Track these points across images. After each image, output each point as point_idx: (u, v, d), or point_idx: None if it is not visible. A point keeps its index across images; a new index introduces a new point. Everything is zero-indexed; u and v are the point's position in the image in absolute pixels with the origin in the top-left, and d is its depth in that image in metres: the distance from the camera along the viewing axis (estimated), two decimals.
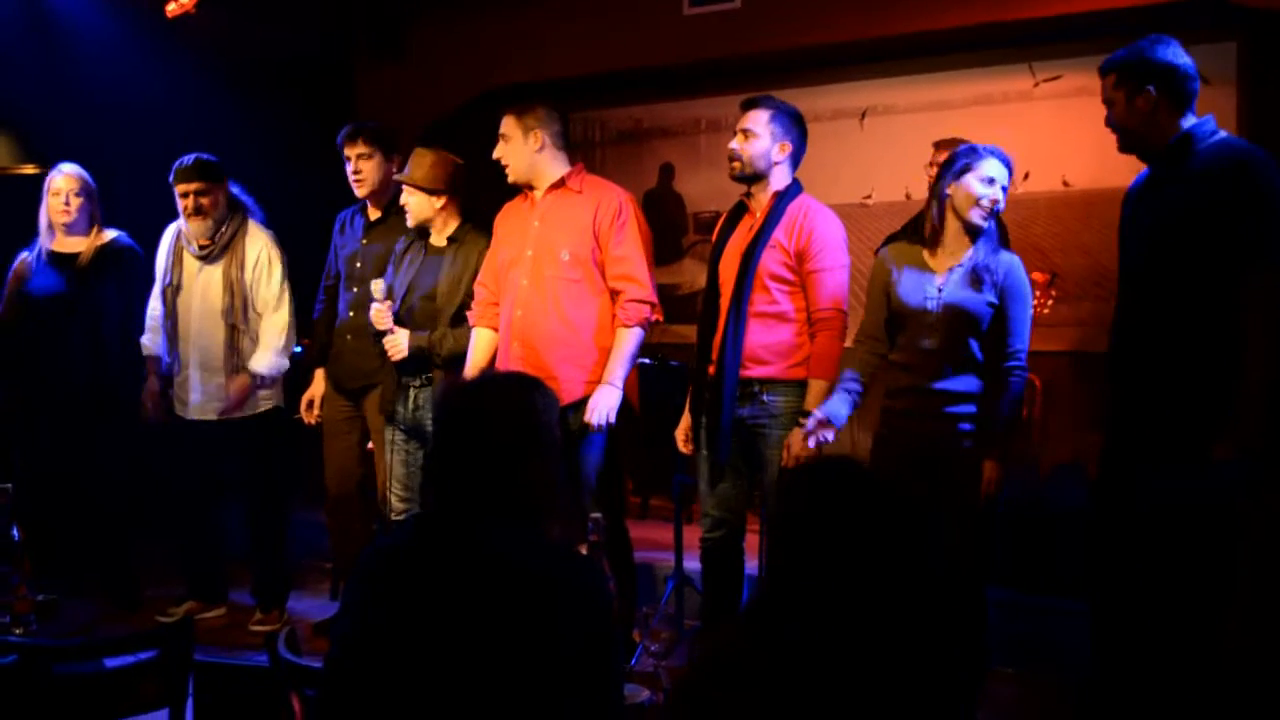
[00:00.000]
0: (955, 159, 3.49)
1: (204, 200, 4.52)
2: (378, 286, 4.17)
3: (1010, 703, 3.90)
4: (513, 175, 3.99)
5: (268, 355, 4.57)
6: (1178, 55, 2.98)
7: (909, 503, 1.75)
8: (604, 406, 3.80)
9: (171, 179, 4.56)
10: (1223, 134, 3.01)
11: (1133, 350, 3.06)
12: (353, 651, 1.90)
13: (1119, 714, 3.09)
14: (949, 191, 3.48)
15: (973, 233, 3.46)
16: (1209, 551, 2.91)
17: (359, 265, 4.51)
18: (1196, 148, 2.96)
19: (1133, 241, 3.13)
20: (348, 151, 4.49)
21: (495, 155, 3.99)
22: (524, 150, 3.96)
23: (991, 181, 3.43)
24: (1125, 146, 3.10)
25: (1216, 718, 3.02)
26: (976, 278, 3.43)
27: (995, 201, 3.44)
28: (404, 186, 4.20)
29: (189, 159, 4.54)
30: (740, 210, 3.87)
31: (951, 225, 3.49)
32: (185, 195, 4.52)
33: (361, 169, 4.47)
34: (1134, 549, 2.99)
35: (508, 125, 3.98)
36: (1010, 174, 3.48)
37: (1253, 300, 2.85)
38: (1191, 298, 2.94)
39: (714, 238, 3.95)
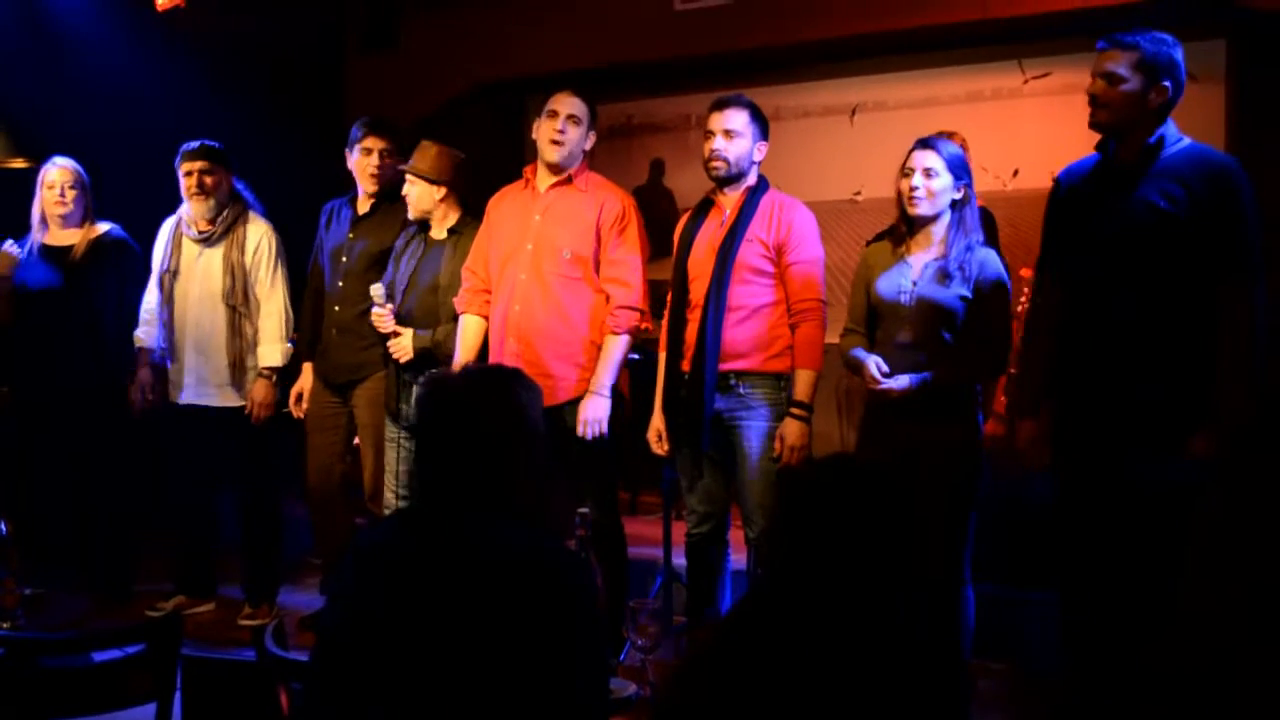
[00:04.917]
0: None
1: (208, 179, 4.52)
2: (377, 291, 4.13)
3: (991, 696, 3.91)
4: (561, 156, 3.90)
5: (276, 346, 4.56)
6: (1184, 62, 3.05)
7: (910, 499, 1.75)
8: (595, 419, 3.79)
9: (177, 161, 4.57)
10: (1188, 140, 3.07)
11: (1102, 346, 3.09)
12: (339, 645, 1.90)
13: (1095, 705, 3.11)
14: (899, 191, 3.57)
15: (918, 223, 3.51)
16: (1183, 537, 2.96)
17: (344, 259, 4.48)
18: (1166, 151, 3.03)
19: (1090, 237, 3.14)
20: (371, 143, 4.45)
21: (558, 129, 3.88)
22: (581, 141, 3.94)
23: (911, 172, 3.47)
24: (1105, 125, 3.10)
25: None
26: (946, 274, 3.47)
27: (915, 189, 3.46)
28: (407, 177, 4.18)
29: (194, 143, 4.56)
30: (706, 206, 3.86)
31: (908, 222, 3.57)
32: (190, 174, 4.53)
33: (385, 164, 4.45)
34: (1119, 535, 3.02)
35: (580, 110, 3.94)
36: (945, 159, 3.46)
37: (1229, 309, 2.93)
38: (1170, 298, 2.99)
39: (677, 235, 3.93)
